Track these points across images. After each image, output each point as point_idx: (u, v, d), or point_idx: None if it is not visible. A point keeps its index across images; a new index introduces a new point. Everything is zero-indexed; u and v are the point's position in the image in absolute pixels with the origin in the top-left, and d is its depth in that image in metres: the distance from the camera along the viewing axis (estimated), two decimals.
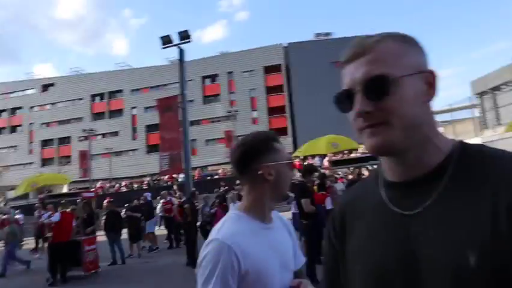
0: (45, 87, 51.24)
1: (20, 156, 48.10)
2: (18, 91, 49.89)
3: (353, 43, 0.76)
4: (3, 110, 49.47)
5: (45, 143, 49.94)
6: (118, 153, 46.50)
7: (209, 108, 46.81)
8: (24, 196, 37.20)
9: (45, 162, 49.10)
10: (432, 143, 0.74)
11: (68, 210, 9.96)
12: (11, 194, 41.92)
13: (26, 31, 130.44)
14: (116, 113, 49.55)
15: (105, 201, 12.35)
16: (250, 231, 1.28)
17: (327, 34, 48.61)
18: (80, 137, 45.54)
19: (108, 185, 33.48)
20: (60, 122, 49.87)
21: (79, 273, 9.11)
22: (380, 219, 0.78)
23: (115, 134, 48.67)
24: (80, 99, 49.96)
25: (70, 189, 29.24)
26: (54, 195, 15.27)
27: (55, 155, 49.15)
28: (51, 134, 49.68)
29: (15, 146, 48.71)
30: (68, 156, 47.99)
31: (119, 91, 49.72)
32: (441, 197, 0.70)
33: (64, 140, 49.45)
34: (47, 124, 50.30)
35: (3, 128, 49.11)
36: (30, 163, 48.68)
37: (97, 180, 36.32)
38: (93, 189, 21.38)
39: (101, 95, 50.07)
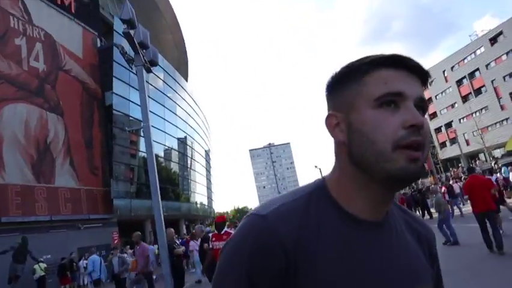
0: (493, 40, 49.05)
1: (494, 115, 48.01)
2: (469, 55, 50.90)
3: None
4: (463, 78, 51.79)
5: None
6: None
7: None
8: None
9: None
10: None
11: None
12: (498, 153, 42.95)
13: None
14: None
15: None
16: None
17: None
18: None
19: None
20: None
21: None
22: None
23: None
24: None
25: None
26: None
27: None
28: None
29: (486, 107, 49.36)
30: None
31: None
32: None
33: None
34: (510, 75, 47.54)
35: (469, 94, 51.17)
36: (506, 119, 47.49)
37: None
38: None
39: None
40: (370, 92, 0.68)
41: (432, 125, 54.33)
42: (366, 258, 0.69)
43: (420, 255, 0.78)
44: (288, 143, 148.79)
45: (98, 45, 24.50)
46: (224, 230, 6.68)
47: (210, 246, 6.99)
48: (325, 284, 0.65)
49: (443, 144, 53.53)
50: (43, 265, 15.23)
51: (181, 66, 40.95)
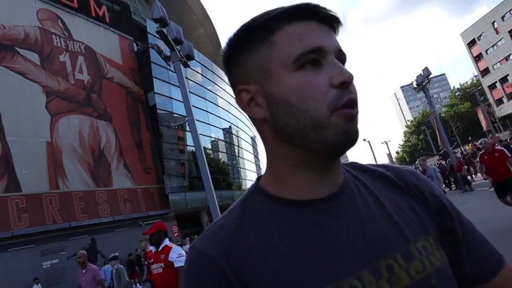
0: None
1: None
2: None
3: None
4: None
5: None
6: None
7: None
8: None
9: None
10: None
11: None
12: None
13: None
14: None
15: None
16: None
17: None
18: None
19: None
20: None
21: None
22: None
23: None
24: None
25: None
26: None
27: None
28: None
29: None
30: None
31: None
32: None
33: None
34: None
35: None
36: None
37: None
38: None
39: None
40: (286, 53, 0.58)
41: (486, 82, 50.99)
42: (323, 242, 0.59)
43: (404, 210, 0.66)
44: None
45: (135, 49, 25.40)
46: (164, 244, 4.33)
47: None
48: (281, 285, 0.56)
49: (499, 101, 50.20)
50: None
51: (218, 58, 41.36)
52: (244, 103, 0.64)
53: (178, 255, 4.16)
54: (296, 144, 0.60)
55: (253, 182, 0.71)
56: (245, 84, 0.63)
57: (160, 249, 4.29)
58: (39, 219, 15.96)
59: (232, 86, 0.66)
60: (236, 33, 0.63)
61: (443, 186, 13.83)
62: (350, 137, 0.57)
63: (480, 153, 7.46)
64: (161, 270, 4.18)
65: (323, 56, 0.58)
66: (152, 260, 4.57)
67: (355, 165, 0.74)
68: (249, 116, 0.65)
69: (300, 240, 0.59)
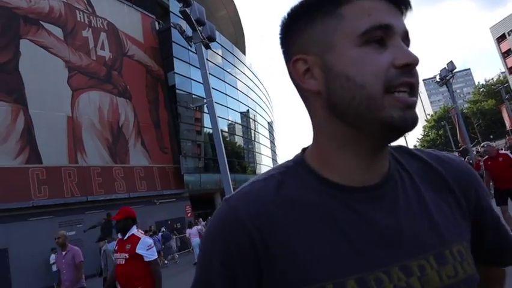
0: None
1: None
2: None
3: None
4: None
5: None
6: None
7: None
8: None
9: None
10: None
11: None
12: None
13: None
14: None
15: None
16: None
17: None
18: None
19: None
20: None
21: None
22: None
23: None
24: None
25: None
26: None
27: None
28: None
29: None
30: None
31: None
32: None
33: None
34: None
35: None
36: None
37: None
38: None
39: None
40: (353, 26, 0.56)
41: None
42: (357, 231, 0.58)
43: (445, 211, 0.63)
44: None
45: (157, 28, 25.37)
46: (131, 232, 3.90)
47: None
48: (306, 265, 0.56)
49: None
50: None
51: (238, 41, 41.06)
52: (299, 73, 0.62)
53: (147, 247, 3.82)
54: (348, 122, 0.59)
55: (298, 152, 0.70)
56: (302, 54, 0.62)
57: (126, 237, 3.87)
58: (58, 191, 16.35)
59: (287, 55, 0.65)
60: (303, 2, 0.62)
61: None
62: (408, 124, 0.55)
63: (484, 158, 6.66)
64: (123, 262, 3.80)
65: (390, 36, 0.56)
66: (116, 248, 4.03)
67: (403, 150, 0.72)
68: (300, 88, 0.64)
69: (334, 225, 0.58)
